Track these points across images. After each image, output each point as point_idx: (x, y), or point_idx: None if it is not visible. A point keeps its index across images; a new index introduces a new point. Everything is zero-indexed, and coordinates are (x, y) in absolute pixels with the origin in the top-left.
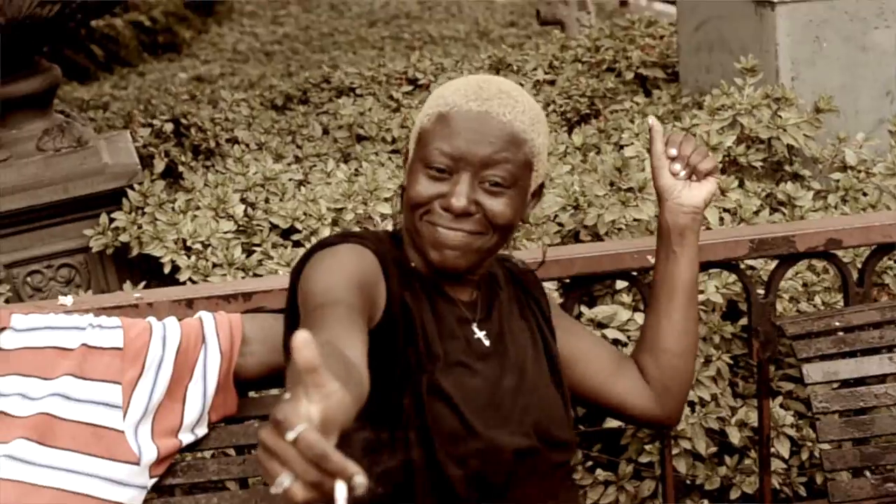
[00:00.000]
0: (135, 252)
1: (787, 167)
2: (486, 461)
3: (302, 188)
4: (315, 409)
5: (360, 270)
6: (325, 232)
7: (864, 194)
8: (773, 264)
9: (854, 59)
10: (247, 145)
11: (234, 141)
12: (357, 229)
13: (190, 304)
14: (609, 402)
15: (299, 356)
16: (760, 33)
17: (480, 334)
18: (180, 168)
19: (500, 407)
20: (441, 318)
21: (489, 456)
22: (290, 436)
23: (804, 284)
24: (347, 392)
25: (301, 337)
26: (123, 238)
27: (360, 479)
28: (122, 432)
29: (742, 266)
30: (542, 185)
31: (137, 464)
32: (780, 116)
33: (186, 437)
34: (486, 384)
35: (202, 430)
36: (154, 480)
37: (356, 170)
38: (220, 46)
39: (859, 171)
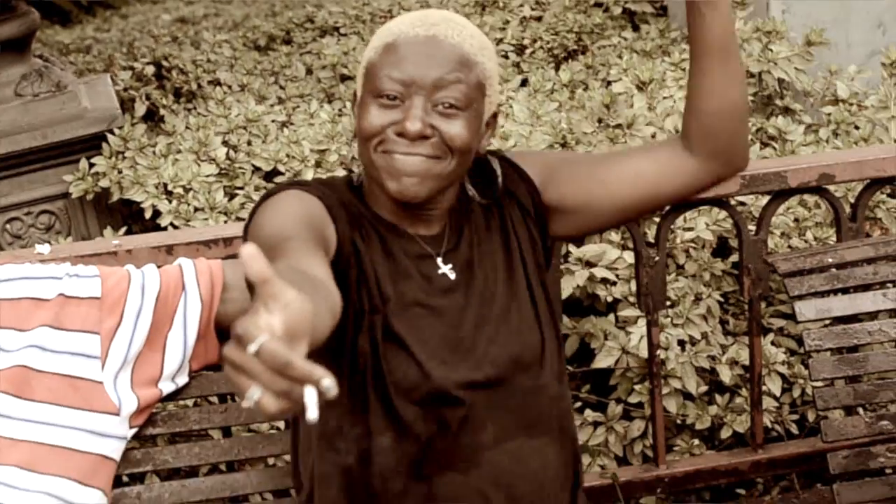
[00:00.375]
0: (115, 197)
1: (777, 101)
2: (441, 402)
3: (285, 130)
4: (276, 320)
5: (305, 213)
6: (309, 174)
7: (856, 128)
8: (764, 200)
9: None
10: (229, 87)
11: (216, 83)
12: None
13: (170, 251)
14: (644, 199)
15: (249, 269)
16: None
17: (445, 268)
18: (161, 111)
19: (461, 342)
20: (394, 258)
21: (443, 397)
22: (252, 348)
23: (795, 219)
24: (311, 302)
25: (247, 250)
26: (104, 183)
27: (329, 383)
28: (101, 383)
29: (733, 202)
30: (495, 116)
31: (117, 414)
32: (770, 50)
33: (167, 387)
34: (444, 320)
35: (183, 379)
36: (134, 430)
37: (340, 110)
38: None
39: (851, 105)
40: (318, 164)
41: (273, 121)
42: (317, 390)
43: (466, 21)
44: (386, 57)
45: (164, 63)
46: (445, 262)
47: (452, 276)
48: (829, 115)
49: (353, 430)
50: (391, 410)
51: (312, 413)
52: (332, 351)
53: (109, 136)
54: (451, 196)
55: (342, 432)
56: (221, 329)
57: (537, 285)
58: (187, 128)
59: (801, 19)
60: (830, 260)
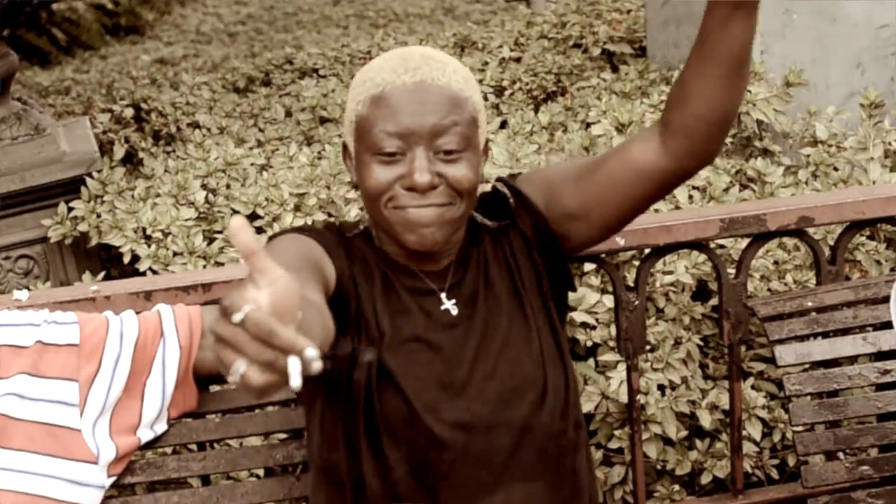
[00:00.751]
0: (94, 242)
1: (756, 143)
2: (429, 443)
3: (264, 173)
4: (262, 295)
5: (302, 251)
6: (288, 218)
7: (836, 169)
8: (743, 243)
9: (825, 32)
10: (208, 130)
11: (195, 125)
12: (315, 220)
13: (148, 297)
14: (627, 203)
15: (237, 240)
16: None
17: (448, 304)
18: (140, 154)
19: (455, 379)
20: (395, 294)
21: (431, 439)
22: (237, 317)
23: (775, 262)
24: (298, 283)
25: (236, 221)
26: (82, 227)
27: (312, 353)
28: (80, 431)
29: (712, 245)
30: (487, 142)
31: (95, 463)
32: (749, 91)
33: (145, 434)
34: (441, 357)
35: (162, 427)
36: (113, 479)
37: (319, 153)
38: (184, 28)
39: (830, 146)
40: (297, 208)
41: (252, 164)
42: (301, 361)
43: (443, 54)
44: (377, 111)
45: (143, 105)
46: (449, 298)
47: (455, 311)
48: (808, 156)
49: (348, 467)
50: (379, 450)
51: (295, 381)
52: (331, 384)
53: (88, 180)
54: (461, 231)
55: (339, 468)
56: (199, 375)
57: (543, 318)
58: (166, 171)
59: (779, 60)
60: (810, 304)
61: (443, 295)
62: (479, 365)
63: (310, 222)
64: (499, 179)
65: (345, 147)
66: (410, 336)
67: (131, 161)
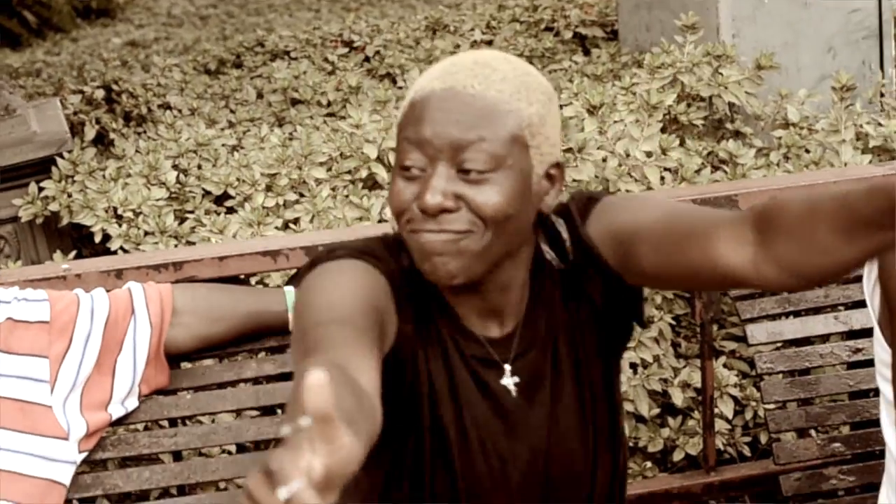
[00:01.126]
0: (65, 221)
1: (728, 125)
2: None
3: (235, 154)
4: (318, 463)
5: (370, 293)
6: (259, 198)
7: (807, 151)
8: None
9: (796, 16)
10: (179, 111)
11: (166, 107)
12: (370, 237)
13: (119, 275)
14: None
15: (311, 401)
16: None
17: (509, 381)
18: (111, 135)
19: (502, 473)
20: (455, 370)
21: None
22: (283, 494)
23: None
24: (358, 439)
25: (315, 378)
26: (53, 207)
27: None
28: (50, 407)
29: None
30: (559, 166)
31: (66, 439)
32: (720, 74)
33: (116, 411)
34: (497, 454)
35: (133, 403)
36: (84, 455)
37: (290, 134)
38: (155, 11)
39: (801, 128)
40: (268, 188)
41: (223, 145)
42: None
43: (506, 61)
44: (407, 118)
45: (114, 87)
46: (512, 373)
47: (514, 391)
48: (780, 138)
49: None
50: None
51: None
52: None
53: (59, 160)
54: (516, 273)
55: None
56: (171, 353)
57: (602, 387)
58: (137, 152)
59: (751, 43)
60: None
61: (507, 367)
62: (530, 464)
63: (281, 203)
64: (571, 199)
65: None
66: (471, 423)
67: (102, 142)
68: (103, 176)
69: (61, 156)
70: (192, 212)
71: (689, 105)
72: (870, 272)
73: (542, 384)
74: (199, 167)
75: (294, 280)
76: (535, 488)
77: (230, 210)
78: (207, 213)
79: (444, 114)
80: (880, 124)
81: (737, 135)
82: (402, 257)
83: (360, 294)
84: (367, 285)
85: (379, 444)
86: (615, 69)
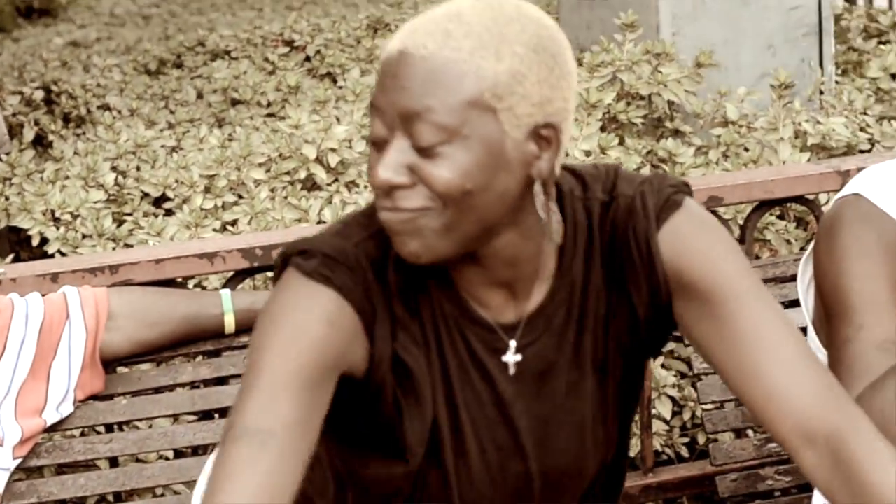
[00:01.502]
0: (2, 224)
1: (667, 123)
2: None
3: (174, 154)
4: None
5: (328, 348)
6: (198, 200)
7: (746, 149)
8: None
9: (736, 13)
10: (118, 112)
11: (105, 108)
12: (349, 219)
13: (55, 279)
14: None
15: None
16: None
17: (510, 359)
18: (50, 137)
19: (506, 473)
20: (450, 366)
21: None
22: None
23: None
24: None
25: None
26: None
27: None
28: None
29: None
30: (551, 127)
31: (0, 445)
32: (660, 72)
33: (51, 416)
34: (494, 443)
35: (68, 409)
36: (18, 461)
37: (230, 135)
38: (97, 10)
39: (741, 126)
40: (207, 190)
41: (162, 146)
42: None
43: (484, 11)
44: (376, 83)
45: (54, 88)
46: (517, 350)
47: (512, 370)
48: (719, 136)
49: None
50: None
51: None
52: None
53: None
54: (522, 244)
55: None
56: (106, 357)
57: (619, 380)
58: (76, 153)
59: (691, 41)
60: None
61: (512, 344)
62: (534, 452)
63: (220, 204)
64: (649, 184)
65: None
66: (470, 418)
67: (41, 144)
68: (41, 178)
69: (0, 158)
70: (130, 214)
71: (628, 104)
72: (804, 272)
73: (554, 373)
74: (138, 169)
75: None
76: (533, 481)
77: (168, 212)
78: (146, 215)
79: (393, 80)
80: (819, 122)
81: (676, 133)
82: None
83: (319, 348)
84: (319, 337)
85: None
86: None
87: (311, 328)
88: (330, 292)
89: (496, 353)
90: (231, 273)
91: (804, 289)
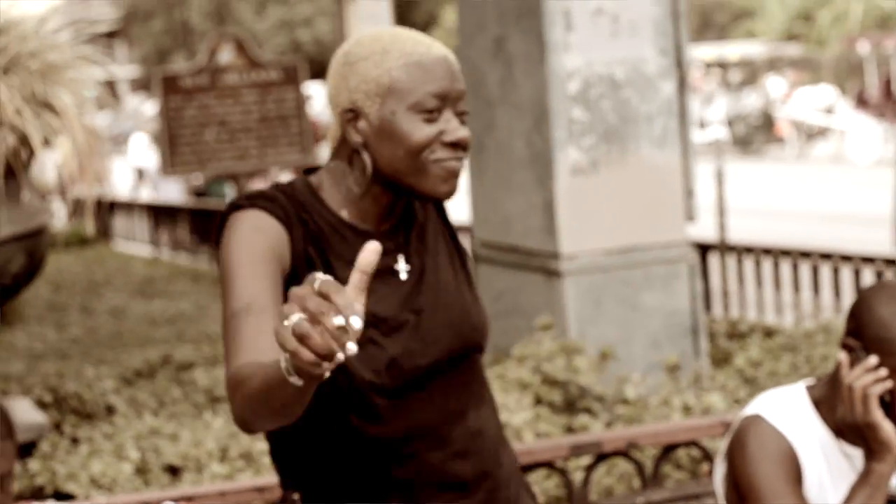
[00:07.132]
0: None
1: (580, 403)
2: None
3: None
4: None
5: (266, 247)
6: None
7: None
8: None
9: (627, 317)
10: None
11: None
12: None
13: None
14: None
15: (366, 259)
16: (551, 299)
17: (401, 262)
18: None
19: (418, 329)
20: (345, 260)
21: (404, 372)
22: (339, 321)
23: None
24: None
25: (372, 246)
26: None
27: (357, 322)
28: None
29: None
30: None
31: None
32: (573, 363)
33: None
34: (400, 313)
35: None
36: None
37: None
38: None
39: (636, 404)
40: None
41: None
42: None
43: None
44: (418, 75)
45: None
46: (399, 255)
47: (405, 272)
48: (621, 414)
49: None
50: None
51: (352, 348)
52: None
53: None
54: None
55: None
56: None
57: (469, 274)
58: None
59: (594, 339)
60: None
61: (399, 256)
62: (437, 314)
63: None
64: None
65: (354, 113)
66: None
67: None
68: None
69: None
70: None
71: (549, 388)
72: (717, 471)
73: (423, 257)
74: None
75: (217, 235)
76: (444, 328)
77: None
78: None
79: (451, 73)
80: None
81: (587, 411)
82: (297, 194)
83: (259, 252)
84: (261, 240)
85: None
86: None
87: (248, 234)
88: (255, 211)
89: (389, 255)
90: None
91: (719, 479)
